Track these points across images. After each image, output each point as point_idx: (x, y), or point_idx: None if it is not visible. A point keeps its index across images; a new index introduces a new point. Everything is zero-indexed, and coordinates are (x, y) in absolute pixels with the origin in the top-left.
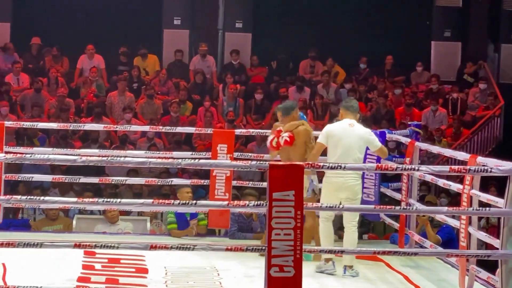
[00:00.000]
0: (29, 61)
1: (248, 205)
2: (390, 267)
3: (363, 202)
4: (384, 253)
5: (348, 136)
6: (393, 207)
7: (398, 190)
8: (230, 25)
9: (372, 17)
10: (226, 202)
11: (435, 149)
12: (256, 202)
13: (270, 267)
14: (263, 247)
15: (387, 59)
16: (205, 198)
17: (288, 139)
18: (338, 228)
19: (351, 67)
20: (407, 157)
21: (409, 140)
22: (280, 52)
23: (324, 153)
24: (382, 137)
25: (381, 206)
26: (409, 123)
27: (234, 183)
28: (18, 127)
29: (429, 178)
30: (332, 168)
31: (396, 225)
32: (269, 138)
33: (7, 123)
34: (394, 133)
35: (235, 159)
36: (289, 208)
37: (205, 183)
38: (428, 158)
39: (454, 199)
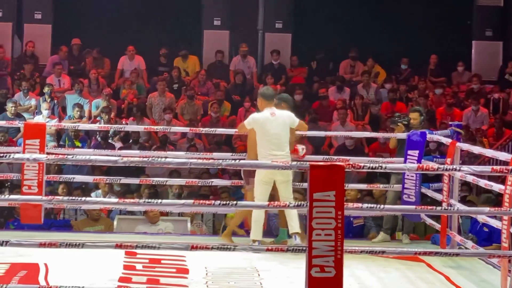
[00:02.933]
0: (70, 62)
1: (288, 205)
2: (431, 268)
3: (403, 202)
4: (425, 253)
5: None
6: (434, 207)
7: (439, 190)
8: (270, 25)
9: (413, 17)
10: (267, 203)
11: (476, 149)
12: (296, 203)
13: (310, 268)
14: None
15: (431, 59)
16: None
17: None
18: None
19: (392, 67)
20: (448, 157)
21: (450, 140)
22: (320, 52)
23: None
24: (422, 137)
25: (422, 207)
26: (450, 123)
27: None
28: (60, 128)
29: (470, 178)
30: (373, 168)
31: (437, 225)
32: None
33: (49, 124)
34: (435, 133)
35: None
36: (329, 208)
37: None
38: (469, 159)
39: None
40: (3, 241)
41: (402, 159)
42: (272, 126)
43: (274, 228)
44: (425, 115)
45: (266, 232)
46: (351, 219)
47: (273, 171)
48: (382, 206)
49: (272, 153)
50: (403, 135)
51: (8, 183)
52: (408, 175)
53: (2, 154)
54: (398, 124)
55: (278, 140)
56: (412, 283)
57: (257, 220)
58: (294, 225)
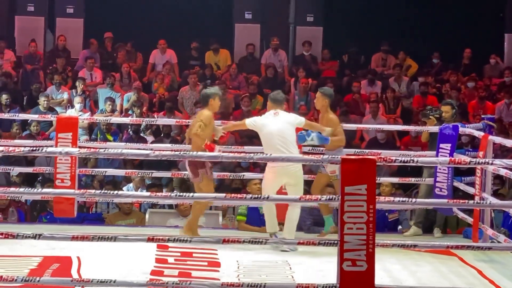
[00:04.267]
0: (102, 56)
1: (320, 199)
2: (463, 262)
3: (435, 196)
4: (457, 247)
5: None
6: (467, 201)
7: (472, 184)
8: (301, 19)
9: (444, 10)
10: (297, 196)
11: (509, 142)
12: (328, 196)
13: (342, 261)
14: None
15: (465, 53)
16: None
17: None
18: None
19: (423, 60)
20: (481, 150)
21: (482, 133)
22: (351, 46)
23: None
24: (455, 130)
25: (454, 200)
26: (482, 116)
27: (305, 177)
28: (92, 121)
29: (503, 172)
30: (405, 162)
31: (470, 219)
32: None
33: (81, 118)
34: (467, 127)
35: (306, 153)
36: (361, 202)
37: None
38: (502, 152)
39: None
40: (36, 234)
41: (434, 152)
42: (274, 124)
43: (306, 226)
44: (457, 108)
45: (298, 229)
46: (386, 213)
47: (282, 174)
48: (414, 199)
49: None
50: (435, 129)
51: (40, 177)
52: (440, 169)
53: (35, 148)
54: (430, 117)
55: (283, 139)
56: (444, 277)
57: (269, 213)
58: (285, 230)
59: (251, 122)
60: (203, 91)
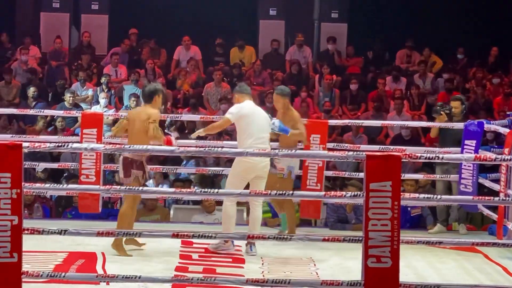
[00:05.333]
0: (127, 52)
1: (345, 195)
2: (488, 259)
3: (460, 193)
4: (482, 244)
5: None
6: (492, 198)
7: (497, 181)
8: (326, 15)
9: (469, 6)
10: (323, 193)
11: None
12: (353, 193)
13: (367, 258)
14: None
15: (492, 51)
16: (299, 188)
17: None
18: (444, 220)
19: (448, 56)
20: (506, 147)
21: (507, 130)
22: (376, 42)
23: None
24: (480, 127)
25: (479, 197)
26: (507, 113)
27: (330, 173)
28: (117, 117)
29: None
30: (429, 158)
31: (495, 216)
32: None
33: (106, 114)
34: (493, 123)
35: (331, 149)
36: (386, 198)
37: (300, 173)
38: None
39: None
40: (61, 230)
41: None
42: (260, 115)
43: (330, 223)
44: (466, 103)
45: (323, 225)
46: (409, 208)
47: (256, 169)
48: (439, 196)
49: (259, 147)
50: (460, 125)
51: (66, 173)
52: (465, 165)
53: (61, 144)
54: (441, 113)
55: (267, 132)
56: (469, 274)
57: (232, 215)
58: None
59: (233, 115)
60: (148, 86)
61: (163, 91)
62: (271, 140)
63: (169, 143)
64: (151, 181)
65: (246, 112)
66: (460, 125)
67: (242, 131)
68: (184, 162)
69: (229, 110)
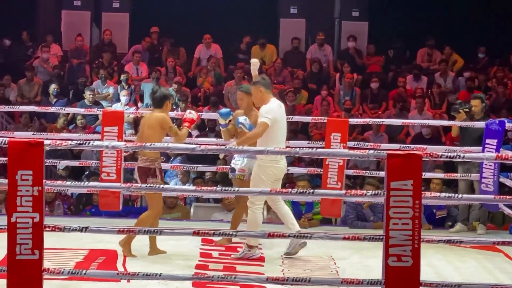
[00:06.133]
0: (148, 50)
1: (365, 194)
2: (509, 258)
3: (481, 192)
4: (503, 243)
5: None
6: None
7: None
8: (346, 14)
9: (490, 4)
10: (343, 191)
11: None
12: (373, 192)
13: (387, 257)
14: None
15: None
16: (320, 187)
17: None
18: (465, 219)
19: (469, 55)
20: None
21: None
22: (397, 41)
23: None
24: (501, 126)
25: (500, 196)
26: None
27: (350, 172)
28: (137, 116)
29: None
30: (451, 157)
31: None
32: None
33: (127, 112)
34: None
35: (352, 148)
36: (407, 197)
37: (321, 172)
38: None
39: None
40: (82, 227)
41: (478, 148)
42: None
43: (350, 220)
44: (487, 102)
45: (342, 223)
46: (434, 210)
47: (283, 171)
48: (460, 195)
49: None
50: (482, 124)
51: (87, 171)
52: (486, 164)
53: (82, 142)
54: (460, 111)
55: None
56: (490, 273)
57: (257, 224)
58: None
59: (271, 120)
60: (160, 91)
61: (173, 97)
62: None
63: (192, 122)
64: (177, 179)
65: (277, 116)
66: (481, 124)
67: (269, 135)
68: (172, 159)
69: (263, 113)
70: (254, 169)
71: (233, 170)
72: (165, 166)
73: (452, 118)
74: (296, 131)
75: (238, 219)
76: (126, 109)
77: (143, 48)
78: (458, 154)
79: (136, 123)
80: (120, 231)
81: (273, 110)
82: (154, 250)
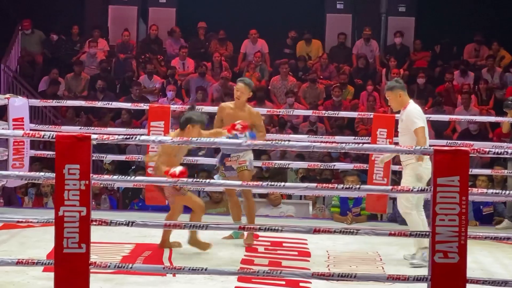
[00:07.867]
0: (195, 45)
1: (412, 190)
2: None
3: None
4: None
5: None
6: None
7: None
8: (393, 9)
9: None
10: (389, 187)
11: None
12: (420, 187)
13: (434, 253)
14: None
15: None
16: (366, 183)
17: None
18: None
19: None
20: None
21: None
22: (444, 36)
23: None
24: None
25: None
26: None
27: (396, 168)
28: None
29: None
30: (498, 154)
31: None
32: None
33: (173, 107)
34: None
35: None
36: (454, 193)
37: (367, 168)
38: None
39: None
40: (129, 222)
41: None
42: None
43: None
44: None
45: (390, 219)
46: (481, 207)
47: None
48: (507, 192)
49: None
50: None
51: (134, 166)
52: None
53: (128, 136)
54: None
55: None
56: None
57: (419, 224)
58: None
59: (424, 121)
60: (188, 113)
61: (203, 123)
62: None
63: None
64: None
65: (424, 117)
66: None
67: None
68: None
69: (414, 119)
70: (409, 172)
71: (231, 168)
72: (210, 161)
73: (502, 114)
74: (342, 127)
75: (251, 210)
76: (172, 104)
77: (190, 43)
78: (506, 150)
79: (180, 118)
80: (166, 226)
81: (421, 113)
82: (196, 243)
